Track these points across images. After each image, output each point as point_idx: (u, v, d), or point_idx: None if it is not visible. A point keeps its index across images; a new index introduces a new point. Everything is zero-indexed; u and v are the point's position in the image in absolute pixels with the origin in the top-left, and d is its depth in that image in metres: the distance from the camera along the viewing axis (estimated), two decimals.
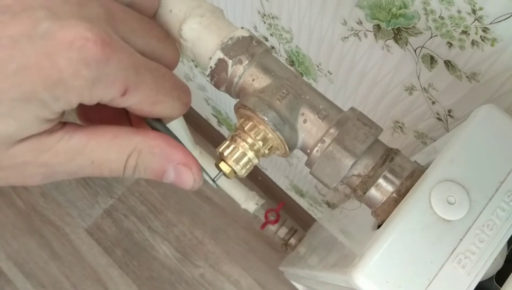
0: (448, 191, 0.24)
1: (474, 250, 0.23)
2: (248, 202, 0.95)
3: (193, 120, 1.27)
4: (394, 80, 0.43)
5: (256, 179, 1.23)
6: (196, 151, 1.00)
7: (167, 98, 0.21)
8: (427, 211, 0.24)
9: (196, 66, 0.93)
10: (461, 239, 0.24)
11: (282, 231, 0.91)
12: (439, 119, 0.42)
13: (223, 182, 0.99)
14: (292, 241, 0.90)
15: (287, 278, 0.94)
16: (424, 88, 0.40)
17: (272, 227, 0.91)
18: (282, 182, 1.14)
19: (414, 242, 0.24)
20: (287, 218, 0.94)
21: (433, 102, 0.41)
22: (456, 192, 0.24)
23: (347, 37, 0.43)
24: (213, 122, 1.23)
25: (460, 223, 0.24)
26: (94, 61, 0.17)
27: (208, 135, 1.27)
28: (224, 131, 1.22)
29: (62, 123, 0.18)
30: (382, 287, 0.23)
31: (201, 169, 0.24)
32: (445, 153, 0.26)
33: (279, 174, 1.10)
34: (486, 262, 0.23)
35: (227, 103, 0.97)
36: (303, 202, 1.12)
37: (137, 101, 0.19)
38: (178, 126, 0.84)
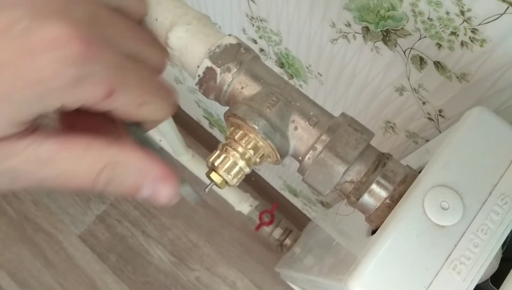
0: (441, 196, 0.24)
1: (469, 256, 0.23)
2: (242, 204, 0.95)
3: (185, 123, 1.26)
4: (384, 81, 0.43)
5: (249, 180, 1.23)
6: (188, 154, 0.99)
7: (154, 98, 0.20)
8: (421, 217, 0.24)
9: None
10: (455, 245, 0.23)
11: (277, 232, 0.90)
12: (430, 119, 0.42)
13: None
14: (287, 241, 0.90)
15: (283, 279, 0.94)
16: (414, 89, 0.40)
17: (266, 229, 0.91)
18: (275, 183, 1.14)
19: (409, 248, 0.24)
20: (281, 218, 0.94)
21: (424, 103, 0.41)
22: (449, 197, 0.24)
23: (336, 39, 0.42)
24: (205, 124, 1.22)
25: (454, 228, 0.24)
26: (78, 60, 0.16)
27: (200, 137, 1.27)
28: (216, 132, 1.21)
29: (33, 128, 0.17)
30: None
31: (183, 182, 0.23)
32: (437, 157, 0.25)
33: (273, 175, 1.10)
34: (481, 267, 0.23)
35: (218, 105, 0.96)
36: (297, 202, 1.12)
37: (123, 103, 0.18)
38: (169, 129, 0.83)
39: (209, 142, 1.25)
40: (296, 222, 1.16)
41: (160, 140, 1.04)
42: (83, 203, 1.24)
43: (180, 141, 0.90)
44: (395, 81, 0.41)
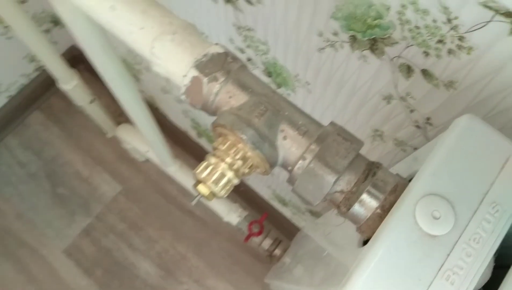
0: (432, 205, 0.24)
1: (461, 265, 0.23)
2: (231, 214, 0.94)
3: (172, 133, 1.25)
4: (372, 90, 0.43)
5: (238, 190, 1.22)
6: (175, 165, 0.98)
7: None
8: (412, 227, 0.24)
9: None
10: (448, 255, 0.23)
11: (267, 243, 0.89)
12: (418, 126, 0.42)
13: None
14: (277, 252, 0.89)
15: None
16: (402, 97, 0.40)
17: (256, 239, 0.90)
18: (264, 192, 1.13)
19: (401, 259, 0.23)
20: (271, 229, 0.93)
21: (411, 111, 0.41)
22: (440, 206, 0.24)
23: (324, 48, 0.42)
24: (192, 134, 1.21)
25: (446, 238, 0.23)
26: None
27: (188, 148, 1.26)
28: (203, 143, 1.20)
29: None
30: None
31: None
32: (427, 166, 0.25)
33: (261, 184, 1.09)
34: (474, 277, 0.23)
35: (206, 114, 0.96)
36: (286, 211, 1.12)
37: None
38: (155, 140, 0.82)
39: (196, 153, 1.24)
40: (286, 232, 1.15)
41: (147, 151, 1.03)
42: (68, 216, 1.21)
43: (167, 151, 0.89)
44: (382, 90, 0.41)
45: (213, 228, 1.25)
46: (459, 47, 0.30)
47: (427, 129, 0.41)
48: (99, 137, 1.32)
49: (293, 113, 0.29)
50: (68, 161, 1.29)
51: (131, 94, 0.58)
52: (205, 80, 0.29)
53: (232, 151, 0.27)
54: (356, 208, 0.27)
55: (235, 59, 0.30)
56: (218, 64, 0.29)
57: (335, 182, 0.26)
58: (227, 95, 0.29)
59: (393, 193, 0.26)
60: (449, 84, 0.34)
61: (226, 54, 0.29)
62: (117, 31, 0.31)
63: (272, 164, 0.28)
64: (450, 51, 0.31)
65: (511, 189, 0.25)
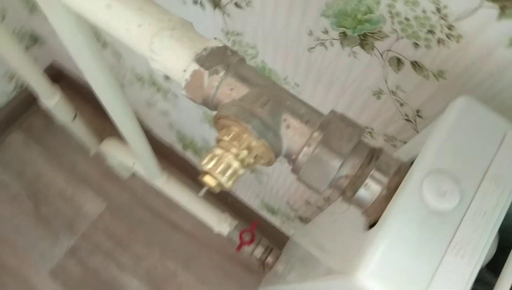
0: (438, 182, 0.25)
1: (470, 239, 0.24)
2: (221, 224, 0.93)
3: (157, 148, 1.24)
4: (361, 86, 0.44)
5: (225, 201, 1.21)
6: (163, 177, 0.97)
7: None
8: (420, 205, 0.24)
9: (158, 91, 0.91)
10: (456, 229, 0.24)
11: (258, 251, 0.89)
12: (408, 120, 0.43)
13: (193, 207, 0.96)
14: (269, 259, 0.89)
15: None
16: (392, 91, 0.41)
17: (247, 248, 0.89)
18: (253, 202, 1.13)
19: (412, 236, 0.24)
20: (262, 237, 0.92)
21: (401, 104, 0.42)
22: (446, 182, 0.25)
23: (314, 47, 0.43)
24: (178, 147, 1.20)
25: (453, 213, 0.24)
26: None
27: (173, 162, 1.25)
28: (189, 155, 1.20)
29: None
30: (388, 284, 0.22)
31: None
32: (429, 145, 0.26)
33: (250, 194, 1.09)
34: (483, 250, 0.23)
35: (192, 125, 0.96)
36: (275, 220, 1.11)
37: None
38: (143, 152, 0.81)
39: (182, 166, 1.23)
40: (276, 241, 1.14)
41: (133, 164, 1.01)
42: (52, 236, 1.18)
43: (155, 163, 0.88)
44: (372, 85, 0.43)
45: (202, 241, 1.23)
46: (449, 36, 0.31)
47: (417, 122, 0.43)
48: (82, 155, 1.30)
49: (295, 102, 0.29)
50: (51, 180, 1.26)
51: (119, 102, 0.58)
52: (206, 73, 0.29)
53: (237, 141, 0.28)
54: (362, 191, 0.27)
55: (234, 52, 0.30)
56: (218, 58, 0.29)
57: (340, 167, 0.27)
58: (228, 88, 0.29)
59: (398, 174, 0.27)
60: (439, 74, 0.35)
61: (226, 47, 0.30)
62: (114, 30, 0.32)
63: (277, 154, 0.29)
64: (439, 41, 0.32)
65: (509, 164, 0.26)
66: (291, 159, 0.29)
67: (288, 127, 0.28)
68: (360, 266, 0.23)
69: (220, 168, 0.27)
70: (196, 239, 1.24)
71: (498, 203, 0.24)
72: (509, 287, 0.24)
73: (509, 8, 0.27)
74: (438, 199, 0.24)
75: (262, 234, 1.14)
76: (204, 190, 0.30)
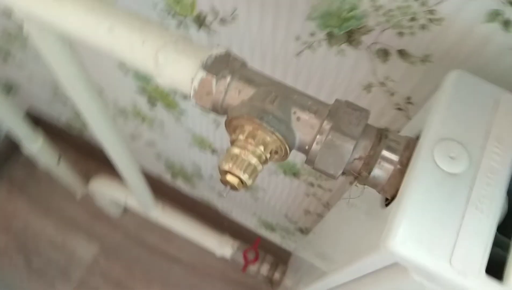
0: (447, 148, 0.26)
1: (485, 194, 0.25)
2: (223, 247, 0.93)
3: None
4: (351, 83, 0.46)
5: (222, 226, 1.21)
6: (158, 208, 0.96)
7: None
8: (434, 170, 0.26)
9: (143, 121, 0.92)
10: (472, 187, 0.25)
11: (265, 268, 0.89)
12: (400, 109, 0.46)
13: (192, 234, 0.96)
14: (277, 275, 0.88)
15: None
16: (381, 82, 0.44)
17: (253, 267, 0.89)
18: (250, 221, 1.13)
19: (432, 200, 0.25)
20: (266, 254, 0.92)
21: (392, 94, 0.44)
22: (454, 147, 0.26)
23: (302, 51, 0.46)
24: (167, 177, 1.20)
25: (466, 173, 0.26)
26: None
27: (163, 193, 1.23)
28: (179, 184, 1.19)
29: None
30: (419, 248, 0.24)
31: None
32: (433, 117, 0.28)
33: (246, 214, 1.09)
34: (498, 203, 0.25)
35: (182, 151, 0.96)
36: (275, 237, 1.11)
37: None
38: (138, 184, 0.81)
39: (173, 196, 1.22)
40: (278, 258, 1.14)
41: (126, 199, 1.00)
42: (47, 287, 1.14)
43: (149, 194, 0.88)
44: (362, 80, 0.45)
45: (204, 271, 1.22)
46: (431, 20, 0.34)
47: (409, 109, 0.45)
48: (68, 199, 1.27)
49: (301, 96, 0.31)
50: (39, 229, 1.23)
51: (112, 132, 0.58)
52: (213, 79, 0.30)
53: (252, 139, 0.29)
54: (377, 170, 0.29)
55: (236, 57, 0.32)
56: (223, 64, 0.31)
57: (353, 149, 0.28)
58: (236, 91, 0.30)
59: (408, 149, 0.28)
60: (425, 58, 0.38)
61: (228, 53, 0.31)
62: (118, 51, 0.33)
63: (291, 146, 0.30)
64: (422, 26, 0.35)
65: (508, 125, 0.28)
66: (304, 150, 0.30)
67: (298, 119, 0.30)
68: (390, 237, 0.24)
69: (240, 166, 0.28)
70: (197, 269, 1.22)
71: (503, 160, 0.26)
72: None
73: None
74: (450, 163, 0.26)
75: (264, 252, 1.14)
76: (227, 191, 0.31)
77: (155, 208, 0.95)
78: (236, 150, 0.29)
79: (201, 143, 0.85)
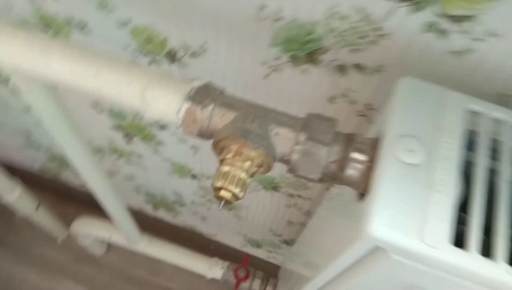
0: (405, 143, 0.31)
1: (442, 178, 0.30)
2: (213, 269, 0.94)
3: None
4: (317, 97, 0.51)
5: (208, 250, 1.22)
6: (144, 240, 0.97)
7: None
8: (398, 163, 0.30)
9: (121, 156, 0.94)
10: (430, 174, 0.30)
11: (256, 284, 0.91)
12: (362, 115, 0.51)
13: (181, 260, 0.97)
14: (269, 289, 0.91)
15: None
16: (343, 94, 0.49)
17: (245, 284, 0.91)
18: (235, 242, 1.15)
19: (399, 188, 0.29)
20: (255, 270, 0.95)
21: (353, 103, 0.49)
22: (411, 142, 0.31)
23: (269, 74, 0.50)
24: (148, 209, 1.21)
25: (424, 163, 0.30)
26: None
27: (146, 225, 1.24)
28: (162, 214, 1.21)
29: None
30: (394, 231, 0.28)
31: None
32: (390, 119, 0.33)
33: (231, 235, 1.12)
34: (454, 184, 0.30)
35: (162, 181, 0.98)
36: (261, 253, 1.14)
37: None
38: (123, 220, 0.82)
39: (155, 227, 1.22)
40: (267, 273, 1.16)
41: (110, 236, 1.01)
42: None
43: (134, 227, 0.89)
44: (326, 93, 0.50)
45: None
46: (379, 36, 0.39)
47: (371, 114, 0.50)
48: (50, 245, 1.26)
49: (276, 114, 0.35)
50: (23, 279, 1.20)
51: (96, 171, 0.61)
52: (198, 108, 0.34)
53: (239, 156, 0.33)
54: (349, 170, 0.33)
55: (215, 86, 0.36)
56: (205, 93, 0.35)
57: (327, 154, 0.32)
58: (219, 116, 0.34)
59: (373, 148, 0.33)
60: (378, 69, 0.43)
61: (207, 84, 0.35)
62: (106, 93, 0.36)
63: (273, 159, 0.34)
64: (372, 42, 0.40)
65: (455, 119, 0.33)
66: (285, 160, 0.34)
67: (276, 134, 0.34)
68: (368, 224, 0.28)
69: (231, 181, 0.32)
70: None
71: (453, 148, 0.31)
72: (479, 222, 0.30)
73: (414, 5, 0.35)
74: (409, 156, 0.30)
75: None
76: (222, 204, 0.34)
77: (141, 241, 0.96)
78: (226, 168, 0.32)
79: (181, 170, 0.88)
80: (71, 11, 0.55)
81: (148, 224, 1.26)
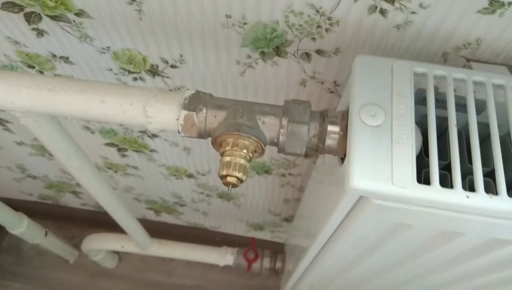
0: (368, 110, 0.38)
1: (401, 132, 0.37)
2: (224, 257, 1.01)
3: None
4: (290, 84, 0.57)
5: (215, 242, 1.29)
6: (155, 244, 1.03)
7: None
8: (364, 127, 0.37)
9: (116, 171, 0.99)
10: (392, 130, 0.37)
11: (266, 261, 0.98)
12: (332, 92, 0.58)
13: (194, 255, 1.03)
14: (278, 264, 0.98)
15: None
16: (312, 77, 0.55)
17: (256, 265, 0.98)
18: (239, 229, 1.22)
19: (369, 146, 0.36)
20: (263, 250, 1.02)
21: (322, 82, 0.56)
22: (373, 108, 0.38)
23: (244, 71, 0.56)
24: (151, 215, 1.26)
25: (385, 123, 0.37)
26: None
27: (151, 230, 1.30)
28: (165, 218, 1.26)
29: None
30: (370, 180, 0.35)
31: None
32: (352, 92, 0.39)
33: (234, 223, 1.18)
34: (412, 135, 0.37)
35: (160, 186, 1.04)
36: (265, 234, 1.21)
37: None
38: (133, 226, 0.88)
39: (161, 231, 1.28)
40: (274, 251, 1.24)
41: (122, 246, 1.06)
42: None
43: (144, 233, 0.95)
44: (297, 79, 0.56)
45: (209, 287, 1.29)
46: (331, 24, 0.46)
47: (339, 90, 0.57)
48: (63, 267, 1.30)
49: (260, 106, 0.41)
50: None
51: (104, 187, 0.66)
52: (194, 113, 0.40)
53: (236, 146, 0.39)
54: (328, 141, 0.40)
55: (204, 92, 0.42)
56: (197, 100, 0.41)
57: (308, 131, 0.39)
58: (213, 117, 0.41)
59: (344, 119, 0.40)
60: (336, 51, 0.50)
61: (198, 92, 0.41)
62: (111, 116, 0.42)
63: (264, 144, 0.40)
64: (327, 30, 0.47)
65: (405, 82, 0.40)
66: (274, 143, 0.41)
67: (264, 123, 0.40)
68: (350, 178, 0.35)
69: (234, 168, 0.38)
70: (204, 287, 1.29)
71: (406, 106, 0.38)
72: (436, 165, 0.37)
73: None
74: (373, 119, 0.37)
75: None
76: (230, 189, 0.41)
77: (153, 245, 1.02)
78: (227, 158, 0.39)
79: (177, 172, 0.94)
80: (50, 49, 0.60)
81: (153, 230, 1.32)
